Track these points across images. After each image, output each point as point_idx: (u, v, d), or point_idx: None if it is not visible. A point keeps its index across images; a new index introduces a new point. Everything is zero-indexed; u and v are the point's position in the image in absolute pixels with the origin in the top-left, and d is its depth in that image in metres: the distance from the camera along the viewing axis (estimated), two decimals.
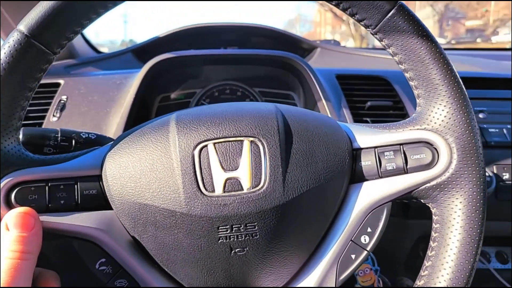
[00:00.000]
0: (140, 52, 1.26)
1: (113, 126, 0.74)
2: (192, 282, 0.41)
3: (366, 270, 0.80)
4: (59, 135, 0.54)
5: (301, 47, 1.34)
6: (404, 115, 0.83)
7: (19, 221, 0.36)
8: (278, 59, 0.88)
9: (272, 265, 0.40)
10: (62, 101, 0.80)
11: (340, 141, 0.43)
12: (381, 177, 0.43)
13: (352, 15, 0.41)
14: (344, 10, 0.41)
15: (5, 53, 0.35)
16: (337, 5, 0.41)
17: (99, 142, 0.57)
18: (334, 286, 0.42)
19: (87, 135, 0.56)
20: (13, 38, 0.35)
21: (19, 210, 0.37)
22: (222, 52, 0.93)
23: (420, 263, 0.43)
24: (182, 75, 0.93)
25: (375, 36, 0.42)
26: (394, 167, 0.42)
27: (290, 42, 1.35)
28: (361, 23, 0.42)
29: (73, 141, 0.55)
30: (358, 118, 0.80)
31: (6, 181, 0.37)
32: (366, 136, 0.44)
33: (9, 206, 0.37)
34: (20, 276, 0.34)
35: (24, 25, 0.35)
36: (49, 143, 0.53)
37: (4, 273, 0.33)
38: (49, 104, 0.78)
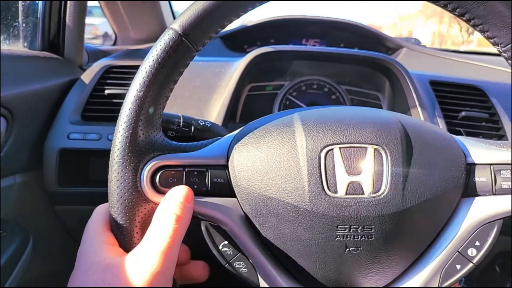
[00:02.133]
0: (227, 39, 1.31)
1: (213, 113, 0.80)
2: (303, 273, 0.45)
3: None
4: (182, 120, 0.60)
5: (385, 45, 1.32)
6: (499, 129, 0.81)
7: (183, 194, 0.41)
8: (373, 61, 0.88)
9: (381, 265, 0.43)
10: (168, 98, 0.85)
11: (456, 154, 0.44)
12: (494, 194, 0.44)
13: (482, 31, 0.42)
14: (474, 26, 0.42)
15: (161, 49, 0.39)
16: (467, 21, 0.42)
17: (213, 129, 0.63)
18: None
19: (204, 123, 0.62)
20: (168, 36, 0.39)
21: (185, 186, 0.42)
22: (321, 50, 0.94)
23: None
24: (273, 67, 0.97)
25: (503, 54, 0.43)
26: (510, 186, 0.43)
27: (374, 39, 1.33)
28: (491, 40, 0.42)
29: (192, 127, 0.61)
30: (451, 127, 0.79)
31: (153, 164, 0.41)
32: (481, 152, 0.45)
33: (153, 185, 0.42)
34: (177, 240, 0.38)
35: (178, 24, 0.39)
36: (173, 127, 0.59)
37: (168, 232, 0.38)
38: None
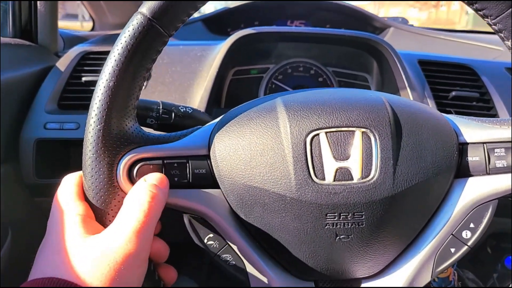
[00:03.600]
0: (209, 22, 1.27)
1: (196, 98, 0.77)
2: (292, 263, 0.43)
3: None
4: (161, 107, 0.57)
5: (372, 25, 1.29)
6: (491, 108, 0.80)
7: (157, 177, 0.38)
8: (360, 41, 0.86)
9: (373, 252, 0.42)
10: (142, 87, 0.82)
11: (447, 135, 0.42)
12: (488, 174, 0.42)
13: (471, 4, 0.40)
14: None
15: (129, 35, 0.36)
16: None
17: (195, 116, 0.60)
18: (430, 276, 0.43)
19: (184, 109, 0.59)
20: (136, 21, 0.36)
21: (159, 173, 0.39)
22: (306, 31, 0.92)
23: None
24: (257, 50, 0.94)
25: (493, 27, 0.40)
26: (505, 165, 0.42)
27: (361, 19, 1.31)
28: (480, 12, 0.40)
29: (173, 114, 0.58)
30: (441, 108, 0.78)
31: (129, 157, 0.39)
32: (474, 131, 0.43)
33: (131, 180, 0.39)
34: (152, 219, 0.36)
35: (146, 8, 0.36)
36: (152, 115, 0.56)
37: (142, 210, 0.35)
38: None
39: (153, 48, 0.38)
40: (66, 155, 0.77)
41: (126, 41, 0.36)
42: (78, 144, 0.72)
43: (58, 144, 0.74)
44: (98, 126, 0.37)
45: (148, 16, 0.36)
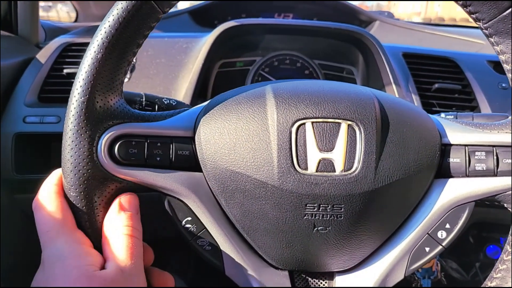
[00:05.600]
0: (196, 14, 1.26)
1: (181, 91, 0.76)
2: (269, 251, 0.43)
3: None
4: (144, 99, 0.56)
5: (358, 18, 1.30)
6: (472, 100, 0.81)
7: (131, 203, 0.39)
8: (346, 33, 0.86)
9: (349, 246, 0.42)
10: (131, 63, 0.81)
11: (431, 134, 0.42)
12: (467, 176, 0.42)
13: (465, 6, 0.39)
14: (456, 0, 0.40)
15: (122, 7, 0.35)
16: None
17: (179, 108, 0.59)
18: (403, 274, 0.43)
19: (168, 101, 0.58)
20: None
21: (130, 194, 0.40)
22: (291, 23, 0.91)
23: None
24: (243, 42, 0.93)
25: (484, 31, 0.40)
26: (484, 168, 0.42)
27: (346, 12, 1.30)
28: (472, 15, 0.40)
29: (156, 106, 0.57)
30: (425, 100, 0.78)
31: (112, 133, 0.38)
32: (457, 133, 0.43)
33: (111, 157, 0.39)
34: (137, 251, 0.37)
35: None
36: (135, 107, 0.55)
37: (124, 249, 0.36)
38: None
39: (146, 23, 0.37)
40: (47, 150, 0.75)
41: (118, 13, 0.35)
42: (59, 138, 0.71)
43: (38, 138, 0.72)
44: (82, 98, 0.36)
45: None
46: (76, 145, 0.37)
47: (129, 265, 0.36)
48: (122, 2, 0.35)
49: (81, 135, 0.37)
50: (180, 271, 0.97)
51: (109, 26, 0.35)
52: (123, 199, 0.39)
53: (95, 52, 0.36)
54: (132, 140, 0.39)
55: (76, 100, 0.36)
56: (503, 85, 0.84)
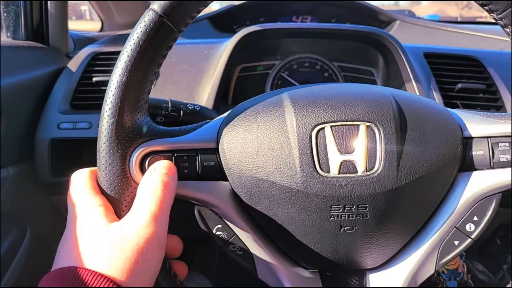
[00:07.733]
0: (215, 20, 1.28)
1: (204, 96, 0.78)
2: (298, 253, 0.44)
3: None
4: (170, 105, 0.59)
5: (378, 18, 1.29)
6: (497, 100, 0.79)
7: (166, 165, 0.40)
8: (364, 35, 0.86)
9: (377, 244, 0.43)
10: (153, 82, 0.84)
11: (452, 129, 0.43)
12: (492, 168, 0.43)
13: None
14: None
15: (141, 31, 0.37)
16: None
17: (203, 113, 0.62)
18: (433, 268, 0.44)
19: (193, 107, 0.61)
20: (148, 17, 0.37)
21: (166, 160, 0.41)
22: (310, 26, 0.92)
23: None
24: (263, 46, 0.94)
25: (498, 22, 0.41)
26: (509, 159, 0.42)
27: (365, 13, 1.30)
28: (486, 7, 0.40)
29: (181, 112, 0.59)
30: (447, 100, 0.78)
31: (141, 150, 0.40)
32: (478, 125, 0.44)
33: (143, 172, 0.40)
34: (167, 206, 0.38)
35: (157, 5, 0.37)
36: (162, 113, 0.58)
37: (158, 197, 0.37)
38: None
39: (164, 44, 0.39)
40: (80, 154, 0.79)
41: (138, 37, 0.37)
42: (90, 142, 0.74)
43: (72, 143, 0.76)
44: (112, 120, 0.38)
45: (159, 13, 0.37)
46: (110, 164, 0.39)
47: (157, 214, 0.37)
48: (140, 26, 0.37)
49: (114, 154, 0.39)
50: (204, 269, 0.99)
51: (131, 50, 0.37)
52: (159, 162, 0.40)
53: (120, 75, 0.38)
54: (161, 155, 0.41)
55: (107, 122, 0.38)
56: None
